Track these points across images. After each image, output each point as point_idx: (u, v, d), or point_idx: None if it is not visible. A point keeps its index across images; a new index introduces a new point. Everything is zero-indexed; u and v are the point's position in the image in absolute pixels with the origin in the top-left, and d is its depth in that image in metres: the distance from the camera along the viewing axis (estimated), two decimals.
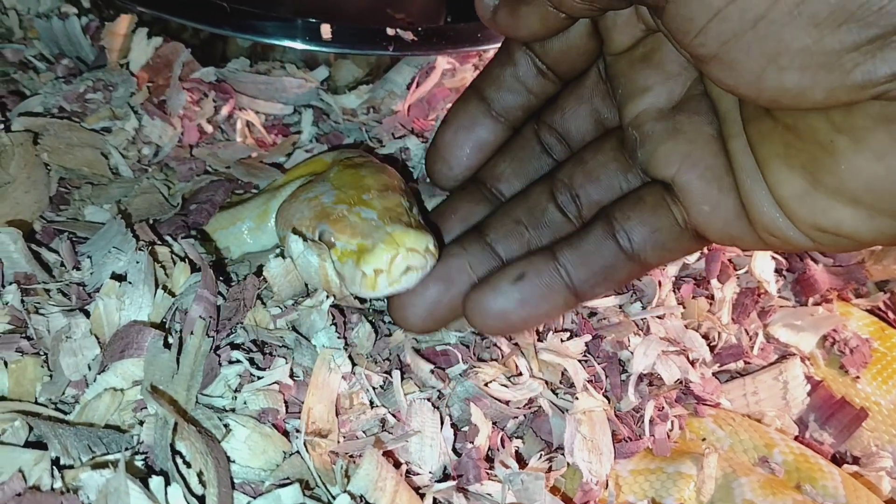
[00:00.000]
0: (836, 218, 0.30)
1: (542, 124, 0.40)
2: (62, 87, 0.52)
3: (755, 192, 0.32)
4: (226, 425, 0.34)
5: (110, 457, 0.31)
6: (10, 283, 0.38)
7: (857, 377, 0.50)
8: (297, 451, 0.34)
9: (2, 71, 0.55)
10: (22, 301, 0.37)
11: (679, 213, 0.35)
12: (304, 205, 0.41)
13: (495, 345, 0.42)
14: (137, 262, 0.37)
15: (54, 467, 0.30)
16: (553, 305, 0.36)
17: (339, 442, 0.35)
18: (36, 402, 0.34)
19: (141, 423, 0.33)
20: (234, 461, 0.33)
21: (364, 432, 0.36)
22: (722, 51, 0.28)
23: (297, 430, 0.35)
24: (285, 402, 0.36)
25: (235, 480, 0.32)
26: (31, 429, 0.31)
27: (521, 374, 0.40)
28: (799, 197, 0.31)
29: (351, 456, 0.35)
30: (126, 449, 0.32)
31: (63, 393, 0.34)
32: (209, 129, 0.53)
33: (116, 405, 0.33)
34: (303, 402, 0.35)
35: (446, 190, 0.42)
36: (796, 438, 0.46)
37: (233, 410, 0.35)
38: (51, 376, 0.35)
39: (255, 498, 0.32)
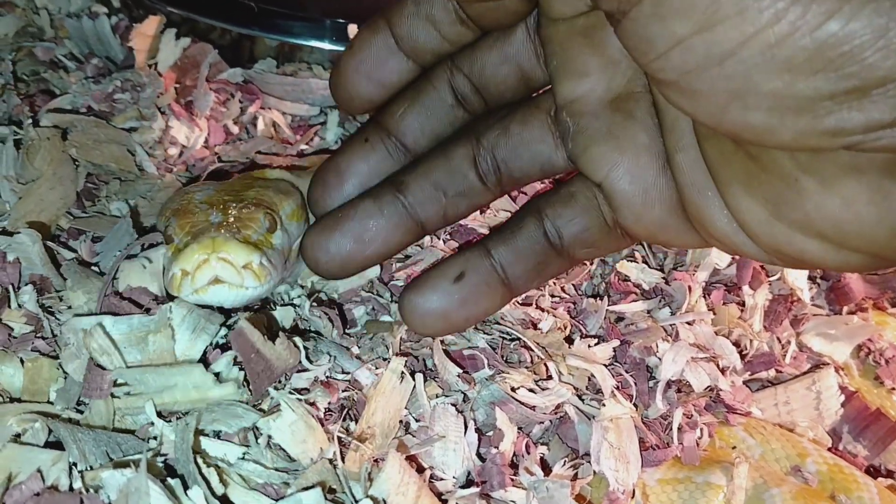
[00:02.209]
0: (801, 247, 0.29)
1: (457, 71, 0.37)
2: (91, 86, 0.52)
3: (709, 208, 0.31)
4: (276, 404, 0.34)
5: (133, 457, 0.31)
6: (27, 284, 0.38)
7: (893, 389, 0.48)
8: (326, 458, 0.33)
9: (32, 70, 0.55)
10: (38, 302, 0.37)
11: (608, 214, 0.34)
12: (180, 196, 0.39)
13: (525, 347, 0.41)
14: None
15: (73, 467, 0.30)
16: (492, 302, 0.36)
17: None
18: (48, 402, 0.34)
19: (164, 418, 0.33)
20: (273, 439, 0.33)
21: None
22: (682, 80, 0.26)
23: (344, 431, 0.34)
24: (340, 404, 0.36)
25: (258, 480, 0.32)
26: (49, 430, 0.31)
27: (550, 377, 0.40)
28: (761, 223, 0.29)
29: (375, 460, 0.34)
30: (148, 449, 0.32)
31: (79, 396, 0.34)
32: (235, 129, 0.53)
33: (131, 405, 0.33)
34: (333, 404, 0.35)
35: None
36: (829, 450, 0.45)
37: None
38: (65, 378, 0.35)
39: (276, 501, 0.31)
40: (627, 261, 0.48)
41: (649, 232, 0.34)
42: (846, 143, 0.25)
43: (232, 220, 0.36)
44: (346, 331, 0.41)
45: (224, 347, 0.36)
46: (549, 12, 0.33)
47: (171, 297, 0.37)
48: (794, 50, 0.24)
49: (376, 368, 0.38)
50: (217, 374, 0.35)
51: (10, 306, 0.37)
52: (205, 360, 0.35)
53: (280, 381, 0.36)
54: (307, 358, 0.37)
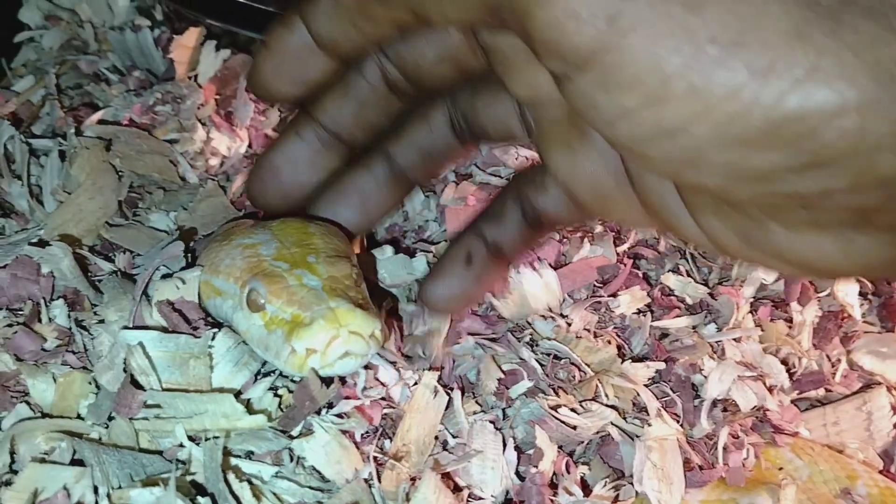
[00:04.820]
0: (776, 266, 0.30)
1: (389, 64, 0.36)
2: (132, 99, 0.53)
3: (682, 226, 0.31)
4: (308, 427, 0.33)
5: (161, 475, 0.30)
6: (59, 298, 0.38)
7: None
8: (363, 478, 0.33)
9: (76, 82, 0.56)
10: (72, 317, 0.37)
11: None
12: (236, 251, 0.36)
13: (573, 364, 0.40)
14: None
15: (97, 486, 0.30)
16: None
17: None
18: (78, 417, 0.34)
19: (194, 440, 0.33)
20: (305, 459, 0.33)
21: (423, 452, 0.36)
22: (634, 146, 0.26)
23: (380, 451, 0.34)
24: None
25: (291, 499, 0.32)
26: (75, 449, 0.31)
27: (595, 398, 0.39)
28: (734, 245, 0.29)
29: (412, 479, 0.34)
30: (177, 469, 0.31)
31: (110, 413, 0.34)
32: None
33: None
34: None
35: None
36: (880, 472, 0.43)
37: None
38: (97, 393, 0.35)
39: None
40: (671, 273, 0.47)
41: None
42: (803, 203, 0.25)
43: (331, 281, 0.34)
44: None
45: (260, 374, 0.36)
46: None
47: (216, 321, 0.37)
48: (746, 129, 0.23)
49: (413, 385, 0.37)
50: (248, 402, 0.34)
51: (40, 320, 0.37)
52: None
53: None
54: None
